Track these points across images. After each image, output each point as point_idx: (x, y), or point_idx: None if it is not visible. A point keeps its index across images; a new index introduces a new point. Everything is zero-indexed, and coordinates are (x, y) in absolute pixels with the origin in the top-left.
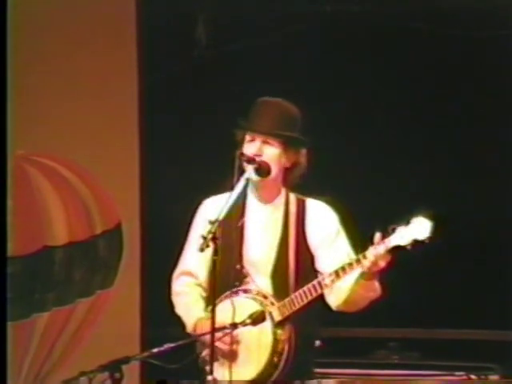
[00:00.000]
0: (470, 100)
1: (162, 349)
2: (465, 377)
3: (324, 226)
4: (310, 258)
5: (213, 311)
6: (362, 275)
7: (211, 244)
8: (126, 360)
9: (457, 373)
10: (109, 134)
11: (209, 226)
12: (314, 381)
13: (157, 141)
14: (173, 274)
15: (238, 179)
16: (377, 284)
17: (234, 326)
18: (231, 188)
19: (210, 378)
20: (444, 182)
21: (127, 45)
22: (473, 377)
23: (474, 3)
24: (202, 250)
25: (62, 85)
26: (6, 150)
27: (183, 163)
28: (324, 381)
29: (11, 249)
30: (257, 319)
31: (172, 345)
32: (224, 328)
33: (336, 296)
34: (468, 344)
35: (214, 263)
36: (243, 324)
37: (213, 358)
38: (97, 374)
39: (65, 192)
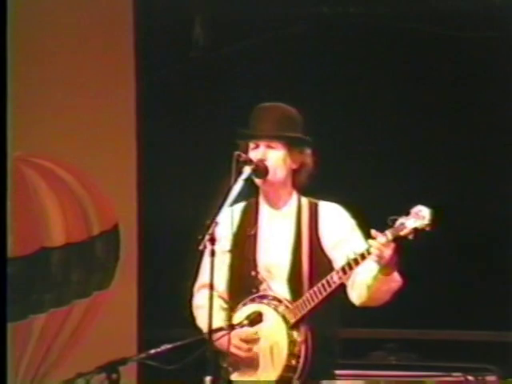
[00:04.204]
0: (470, 96)
1: (159, 350)
2: (462, 378)
3: (337, 227)
4: (327, 261)
5: (209, 314)
6: (381, 271)
7: (208, 245)
8: (123, 361)
9: (454, 374)
10: (106, 136)
11: (205, 227)
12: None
13: (154, 142)
14: (194, 287)
15: (236, 181)
16: (397, 275)
17: (231, 327)
18: (229, 190)
19: (207, 379)
20: (445, 178)
21: (124, 46)
22: (470, 378)
23: (474, 4)
24: (199, 250)
25: (60, 87)
26: (6, 152)
27: (181, 165)
28: (324, 382)
29: (8, 250)
30: (254, 320)
31: (169, 346)
32: (221, 329)
33: (358, 293)
34: (466, 345)
35: (211, 265)
36: (240, 325)
37: (213, 359)
38: (94, 375)
39: (62, 193)
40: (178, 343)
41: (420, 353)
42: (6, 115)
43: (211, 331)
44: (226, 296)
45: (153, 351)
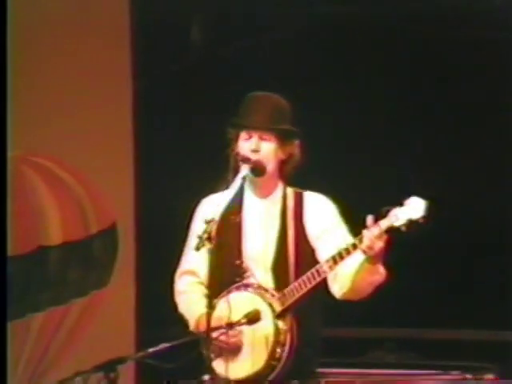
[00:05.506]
0: (467, 89)
1: (157, 349)
2: (460, 376)
3: (322, 217)
4: (311, 251)
5: (208, 312)
6: (367, 260)
7: (207, 243)
8: (122, 360)
9: (452, 372)
10: (104, 134)
11: (204, 226)
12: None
13: (152, 141)
14: (175, 273)
15: (233, 178)
16: (381, 267)
17: (230, 325)
18: (226, 187)
19: (205, 377)
20: (441, 170)
21: (122, 45)
22: (468, 376)
23: (474, 4)
24: (197, 249)
25: (58, 86)
26: (6, 152)
27: (178, 163)
28: (322, 381)
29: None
30: (252, 318)
31: (167, 345)
32: (220, 327)
33: (341, 284)
34: (464, 344)
35: (210, 263)
36: (239, 324)
37: (210, 357)
38: (92, 374)
39: (60, 192)
40: (176, 342)
41: (419, 352)
42: (6, 115)
43: (209, 329)
44: (207, 283)
45: (151, 350)
